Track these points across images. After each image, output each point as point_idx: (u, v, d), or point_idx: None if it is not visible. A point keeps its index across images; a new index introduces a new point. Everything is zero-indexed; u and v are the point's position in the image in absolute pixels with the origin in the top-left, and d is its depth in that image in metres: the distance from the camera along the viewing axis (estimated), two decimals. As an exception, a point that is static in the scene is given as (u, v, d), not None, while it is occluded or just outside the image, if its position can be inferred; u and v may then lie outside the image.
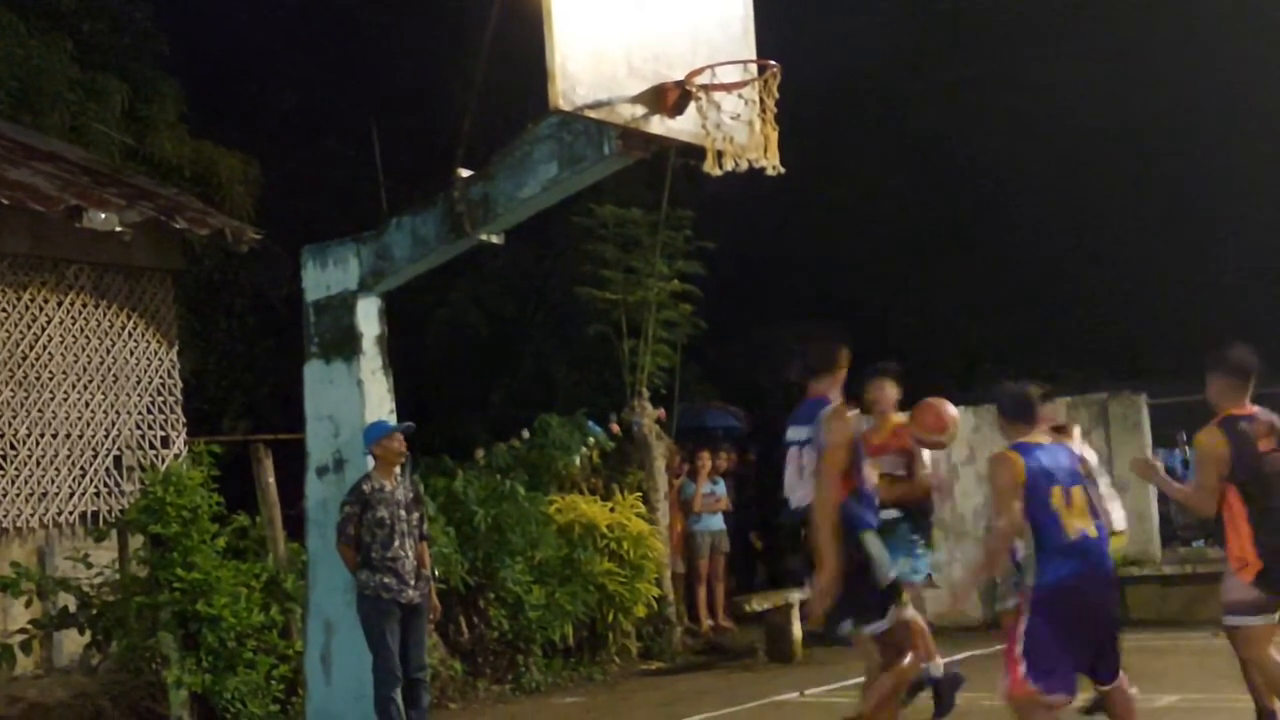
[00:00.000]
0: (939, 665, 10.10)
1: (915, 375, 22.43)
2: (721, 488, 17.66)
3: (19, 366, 13.28)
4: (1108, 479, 9.76)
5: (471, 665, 13.57)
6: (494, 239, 10.72)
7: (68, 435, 13.56)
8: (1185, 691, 10.77)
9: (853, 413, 8.13)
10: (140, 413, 14.21)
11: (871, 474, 8.38)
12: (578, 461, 15.54)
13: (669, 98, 9.02)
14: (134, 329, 14.20)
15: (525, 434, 15.60)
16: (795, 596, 15.22)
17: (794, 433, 8.10)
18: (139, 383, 14.21)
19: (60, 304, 13.65)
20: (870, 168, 24.32)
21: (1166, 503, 18.45)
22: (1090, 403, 17.29)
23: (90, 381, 13.79)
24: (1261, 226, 22.74)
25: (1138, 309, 24.36)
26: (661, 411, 16.59)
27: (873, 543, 7.91)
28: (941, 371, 22.75)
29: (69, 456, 13.53)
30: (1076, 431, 10.27)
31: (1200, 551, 17.66)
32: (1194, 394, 18.36)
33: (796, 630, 14.94)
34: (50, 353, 13.53)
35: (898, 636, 8.08)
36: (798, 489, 8.06)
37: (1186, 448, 20.74)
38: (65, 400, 13.57)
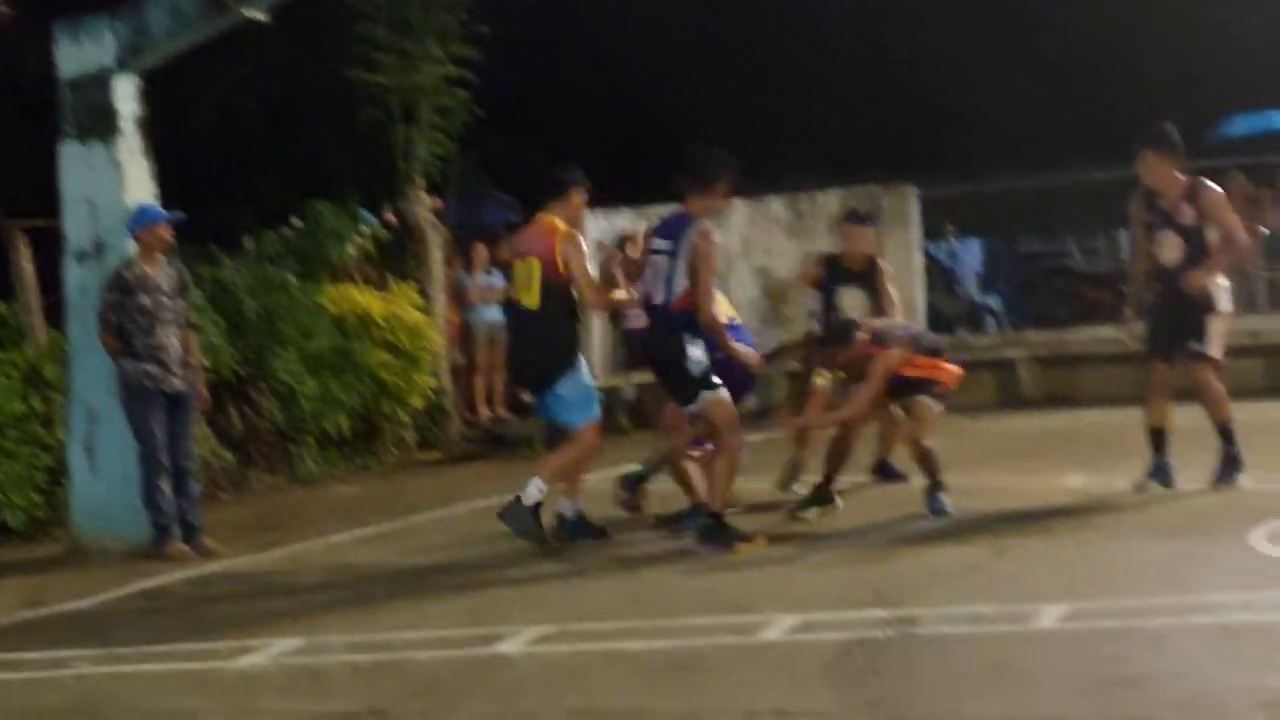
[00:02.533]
0: None
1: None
2: (498, 279, 17.55)
3: None
4: None
5: (244, 456, 13.42)
6: (258, 15, 10.36)
7: None
8: (946, 473, 11.10)
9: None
10: (-114, 198, 13.56)
11: None
12: (351, 251, 15.32)
13: None
14: (-124, 110, 13.48)
15: (296, 222, 15.28)
16: (571, 386, 15.31)
17: (661, 244, 8.89)
18: (-116, 166, 13.53)
19: None
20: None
21: (933, 292, 18.95)
22: (862, 195, 17.51)
23: None
24: (1049, 27, 23.11)
25: (910, 103, 24.66)
26: (438, 201, 16.37)
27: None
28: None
29: None
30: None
31: (963, 340, 18.18)
32: (963, 186, 18.87)
33: (573, 419, 15.04)
34: None
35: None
36: (658, 292, 8.84)
37: (953, 239, 21.25)
38: None
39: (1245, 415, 13.54)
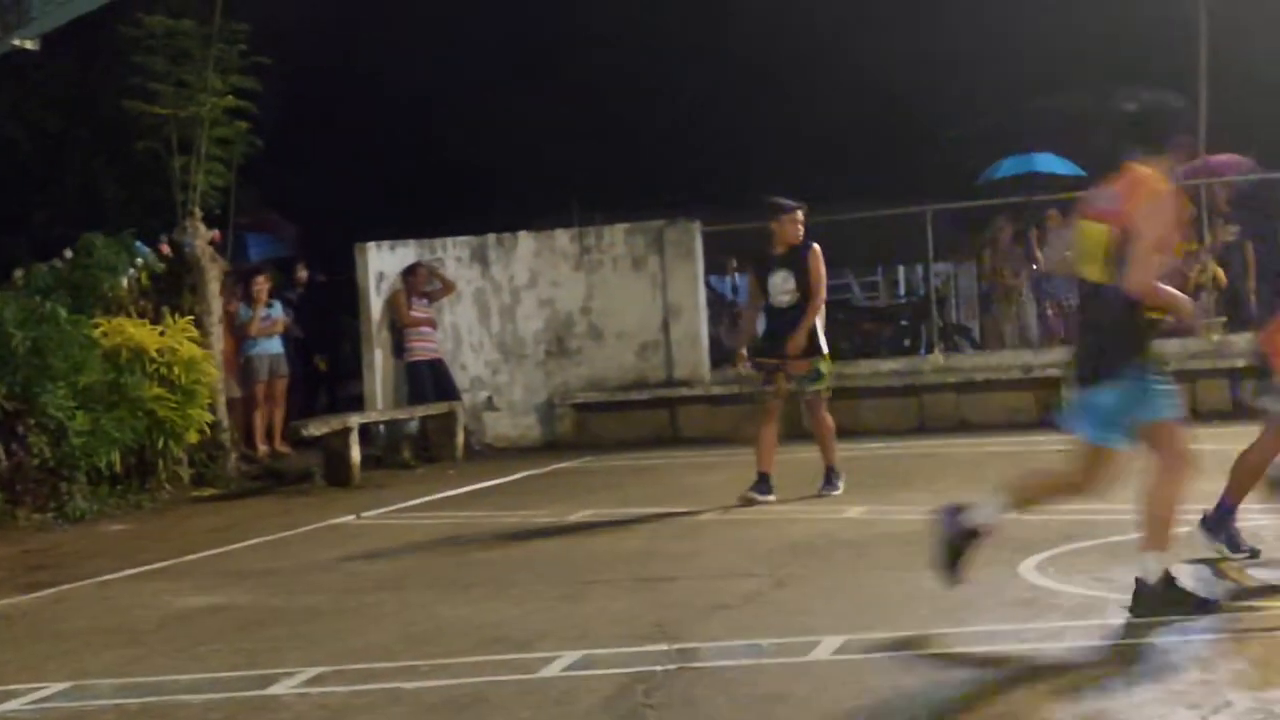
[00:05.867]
0: None
1: (482, 204, 22.58)
2: (278, 310, 17.34)
3: None
4: None
5: (10, 494, 12.98)
6: (29, 44, 10.13)
7: None
8: (726, 504, 11.25)
9: None
10: None
11: None
12: (125, 283, 14.96)
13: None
14: None
15: (68, 254, 14.87)
16: (354, 420, 15.15)
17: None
18: None
19: None
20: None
21: (717, 325, 19.17)
22: (647, 229, 17.69)
23: None
24: (834, 69, 23.61)
25: (693, 142, 24.98)
26: (216, 233, 16.06)
27: None
28: (509, 198, 22.86)
29: None
30: None
31: (747, 373, 18.37)
32: (744, 222, 19.15)
33: (355, 454, 14.86)
34: None
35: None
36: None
37: (736, 274, 21.50)
38: None
39: (1017, 448, 13.99)
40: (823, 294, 11.64)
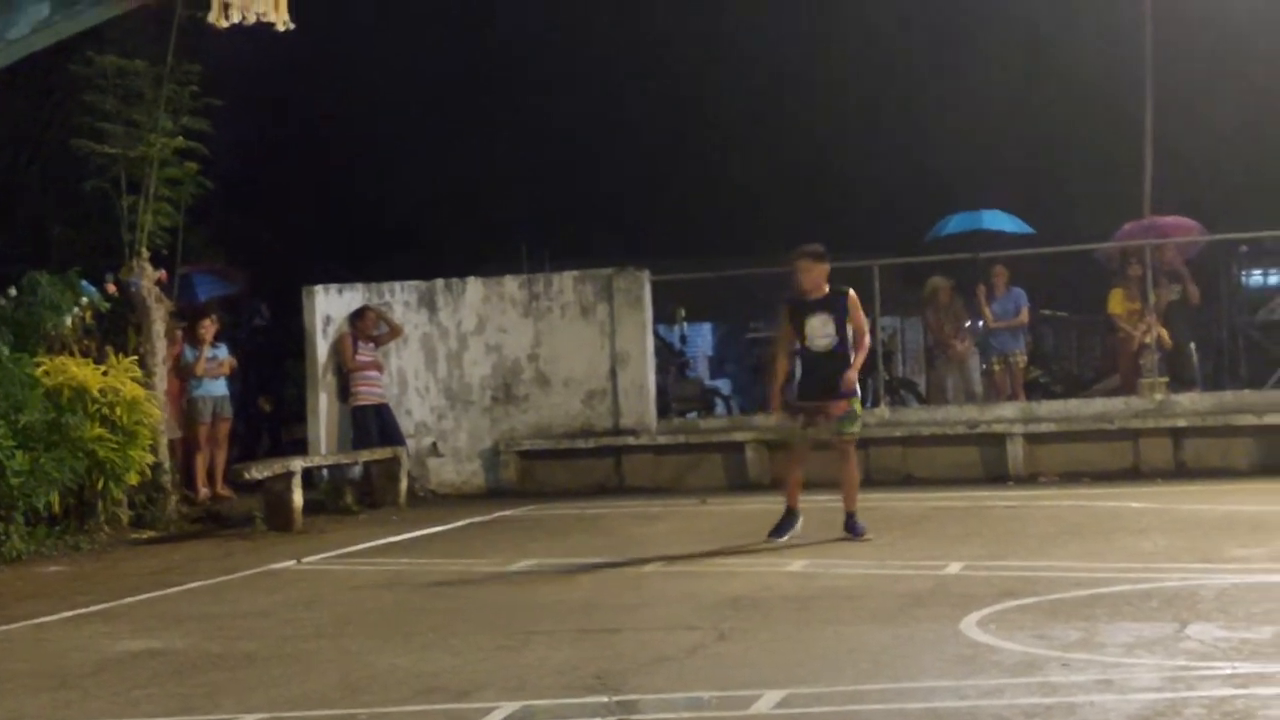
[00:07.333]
0: None
1: (431, 249, 22.62)
2: (224, 352, 17.26)
3: None
4: None
5: (-56, 533, 12.83)
6: (-24, 80, 10.06)
7: None
8: (670, 554, 11.22)
9: None
10: None
11: None
12: (69, 322, 14.84)
13: (171, -61, 8.59)
14: None
15: (12, 291, 14.76)
16: (297, 464, 15.05)
17: None
18: None
19: None
20: (393, 34, 24.04)
21: (664, 375, 19.18)
22: (596, 277, 17.69)
23: None
24: (783, 126, 23.82)
25: (645, 193, 25.13)
26: (162, 273, 15.98)
27: None
28: (457, 244, 22.89)
29: None
30: None
31: (693, 423, 18.41)
32: (692, 272, 19.25)
33: (298, 499, 14.74)
34: None
35: None
36: None
37: (685, 324, 21.57)
38: None
39: (962, 503, 14.04)
40: (867, 337, 11.93)
